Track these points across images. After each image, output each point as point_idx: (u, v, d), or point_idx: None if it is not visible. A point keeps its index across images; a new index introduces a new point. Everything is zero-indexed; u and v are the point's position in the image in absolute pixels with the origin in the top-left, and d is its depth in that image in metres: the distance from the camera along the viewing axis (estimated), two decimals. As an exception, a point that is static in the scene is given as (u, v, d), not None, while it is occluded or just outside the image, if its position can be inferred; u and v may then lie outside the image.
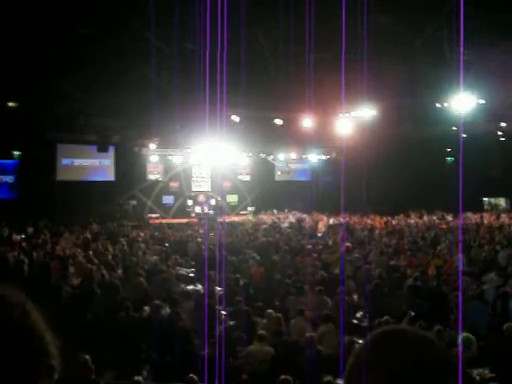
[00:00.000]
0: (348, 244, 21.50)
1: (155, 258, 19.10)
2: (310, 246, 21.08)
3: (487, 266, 16.92)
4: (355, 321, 12.53)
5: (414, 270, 16.36)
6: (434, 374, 1.33)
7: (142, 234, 25.14)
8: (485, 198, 37.95)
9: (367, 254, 19.72)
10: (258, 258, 19.16)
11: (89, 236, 23.23)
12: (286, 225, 32.47)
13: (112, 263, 17.59)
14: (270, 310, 11.57)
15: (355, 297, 14.18)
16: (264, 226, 30.84)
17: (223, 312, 11.41)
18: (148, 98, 20.23)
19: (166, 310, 11.76)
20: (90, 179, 34.21)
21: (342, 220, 30.94)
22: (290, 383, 8.04)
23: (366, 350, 1.38)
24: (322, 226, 30.05)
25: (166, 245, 23.04)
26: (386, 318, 10.55)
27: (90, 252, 18.97)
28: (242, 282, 15.34)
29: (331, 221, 32.12)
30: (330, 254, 19.39)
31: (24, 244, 20.35)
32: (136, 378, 8.13)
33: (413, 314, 11.47)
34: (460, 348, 8.79)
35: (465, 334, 9.30)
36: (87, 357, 7.95)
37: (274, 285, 15.31)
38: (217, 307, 11.51)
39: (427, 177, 33.92)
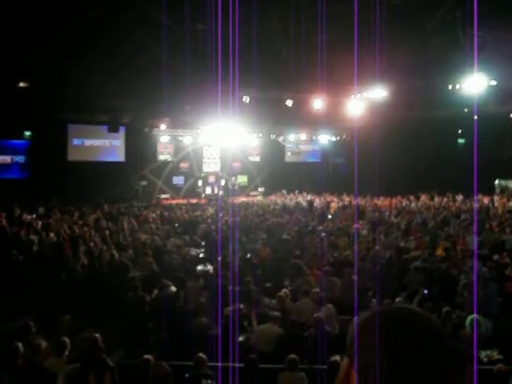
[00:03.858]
0: (358, 225, 21.50)
1: (173, 240, 19.08)
2: (320, 228, 21.07)
3: (498, 248, 16.88)
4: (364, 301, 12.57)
5: (421, 251, 16.35)
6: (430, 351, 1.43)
7: (154, 215, 25.18)
8: (496, 181, 37.78)
9: (377, 235, 19.70)
10: (267, 238, 19.22)
11: (99, 216, 23.36)
12: (293, 203, 32.60)
13: (123, 243, 17.71)
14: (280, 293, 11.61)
15: (364, 278, 14.19)
16: (273, 207, 30.87)
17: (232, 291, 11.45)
18: (159, 79, 20.24)
19: (173, 289, 11.81)
20: (100, 159, 34.30)
21: (354, 201, 30.87)
22: (296, 363, 8.11)
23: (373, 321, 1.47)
24: (333, 207, 30.05)
25: (176, 225, 23.11)
26: (398, 299, 10.59)
27: (107, 232, 19.08)
28: (251, 263, 15.41)
29: (341, 202, 32.09)
30: (339, 238, 19.36)
31: (35, 224, 20.45)
32: (146, 356, 8.21)
33: (426, 291, 11.49)
34: (475, 329, 8.83)
35: (473, 315, 9.33)
36: (97, 335, 8.02)
37: (283, 265, 15.35)
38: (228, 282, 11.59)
39: (439, 158, 33.76)
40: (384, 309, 1.52)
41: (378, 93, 26.72)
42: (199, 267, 15.58)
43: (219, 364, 7.51)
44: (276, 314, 10.35)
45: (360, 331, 1.49)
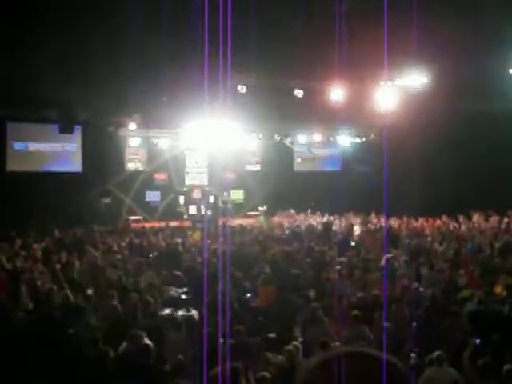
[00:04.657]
0: (391, 255, 21.41)
1: (147, 276, 18.99)
2: (341, 259, 21.03)
3: None
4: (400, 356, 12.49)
5: (475, 289, 16.27)
6: None
7: (122, 244, 25.09)
8: None
9: (416, 268, 19.66)
10: (270, 273, 19.11)
11: (49, 245, 23.30)
12: (304, 226, 32.60)
13: (79, 281, 17.63)
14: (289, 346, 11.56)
15: (400, 325, 14.12)
16: (279, 232, 30.85)
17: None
18: (126, 63, 20.18)
19: (146, 342, 11.74)
20: (49, 169, 34.26)
21: (385, 224, 30.83)
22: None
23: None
24: (358, 231, 30.02)
25: (151, 256, 23.05)
26: (437, 353, 10.54)
27: (58, 266, 19.01)
28: (250, 306, 15.38)
29: (369, 225, 32.05)
30: (366, 272, 19.30)
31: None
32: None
33: (477, 341, 11.44)
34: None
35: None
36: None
37: (291, 309, 15.28)
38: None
39: (497, 166, 33.63)
40: (337, 353, 1.62)
41: (415, 79, 26.68)
42: (181, 312, 15.51)
43: None
44: (265, 374, 10.32)
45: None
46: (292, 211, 38.86)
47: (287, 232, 30.95)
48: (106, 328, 13.48)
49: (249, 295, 16.48)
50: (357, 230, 30.59)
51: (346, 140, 41.72)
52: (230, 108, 27.20)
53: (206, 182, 40.85)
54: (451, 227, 30.65)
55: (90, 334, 12.29)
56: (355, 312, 13.76)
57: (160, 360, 11.42)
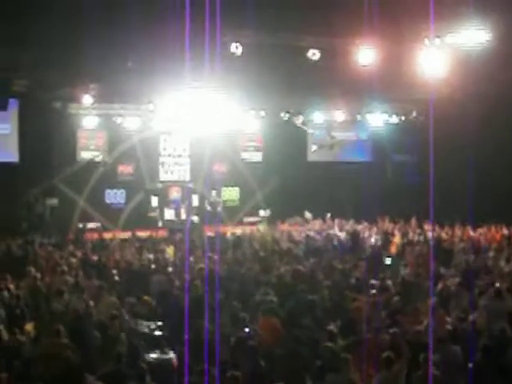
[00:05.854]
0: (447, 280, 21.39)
1: (107, 303, 18.98)
2: (373, 281, 20.99)
3: None
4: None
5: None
6: None
7: (74, 261, 25.09)
8: None
9: (477, 294, 19.62)
10: (276, 301, 19.03)
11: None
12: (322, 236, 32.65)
13: (16, 312, 17.62)
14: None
15: (454, 372, 14.08)
16: (287, 244, 30.84)
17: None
18: (78, 16, 20.16)
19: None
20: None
21: (432, 233, 30.85)
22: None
23: None
24: (397, 243, 30.02)
25: (116, 278, 23.02)
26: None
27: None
28: (247, 346, 15.32)
29: (412, 234, 32.06)
30: (407, 298, 19.28)
31: None
32: None
33: None
34: None
35: None
36: None
37: (304, 350, 15.22)
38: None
39: None
40: None
41: (473, 36, 26.62)
42: (153, 355, 15.49)
43: None
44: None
45: None
46: (308, 215, 38.74)
47: (300, 245, 30.91)
48: (53, 375, 13.45)
49: (247, 330, 16.35)
50: (395, 241, 30.56)
51: (378, 119, 41.64)
52: (221, 75, 26.97)
53: (187, 178, 40.79)
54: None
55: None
56: (387, 353, 13.67)
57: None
